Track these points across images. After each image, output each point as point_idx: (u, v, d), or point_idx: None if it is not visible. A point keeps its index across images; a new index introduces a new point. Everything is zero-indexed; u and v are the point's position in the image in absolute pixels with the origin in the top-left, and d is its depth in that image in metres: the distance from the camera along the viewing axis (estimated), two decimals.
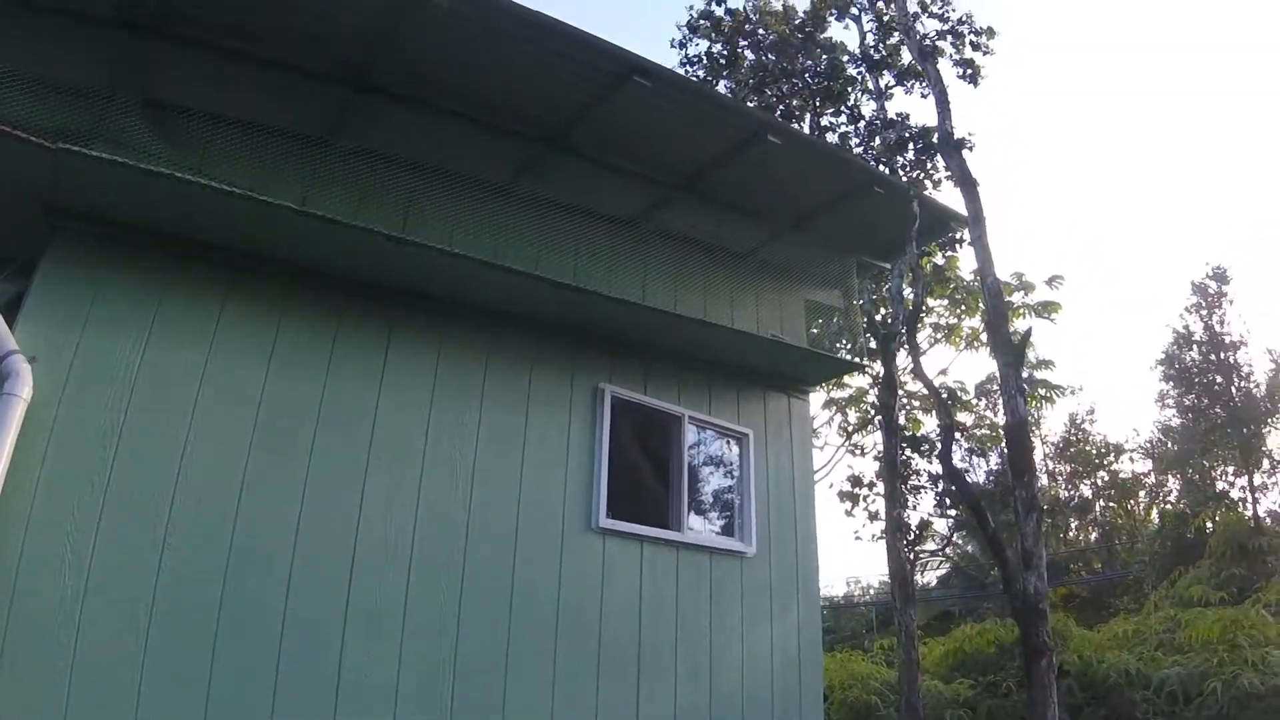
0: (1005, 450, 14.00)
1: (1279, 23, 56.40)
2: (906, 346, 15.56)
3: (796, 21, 20.43)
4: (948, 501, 22.07)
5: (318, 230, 6.32)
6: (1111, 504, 32.53)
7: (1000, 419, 22.71)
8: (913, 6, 18.65)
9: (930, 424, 22.29)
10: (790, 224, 9.38)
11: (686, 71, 20.23)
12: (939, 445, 16.80)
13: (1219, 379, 28.52)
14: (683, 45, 20.76)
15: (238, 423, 6.28)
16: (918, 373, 15.52)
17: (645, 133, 7.90)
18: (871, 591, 37.10)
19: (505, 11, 6.51)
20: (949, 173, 15.07)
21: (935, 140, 15.82)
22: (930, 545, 26.46)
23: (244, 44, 6.53)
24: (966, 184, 13.21)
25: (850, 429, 23.89)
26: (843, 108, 19.80)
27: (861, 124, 19.58)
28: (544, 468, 7.52)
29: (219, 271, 6.52)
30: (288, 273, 6.77)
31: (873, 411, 22.92)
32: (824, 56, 19.90)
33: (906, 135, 18.27)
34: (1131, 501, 32.03)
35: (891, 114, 19.06)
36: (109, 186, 5.89)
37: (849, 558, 65.55)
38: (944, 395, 17.57)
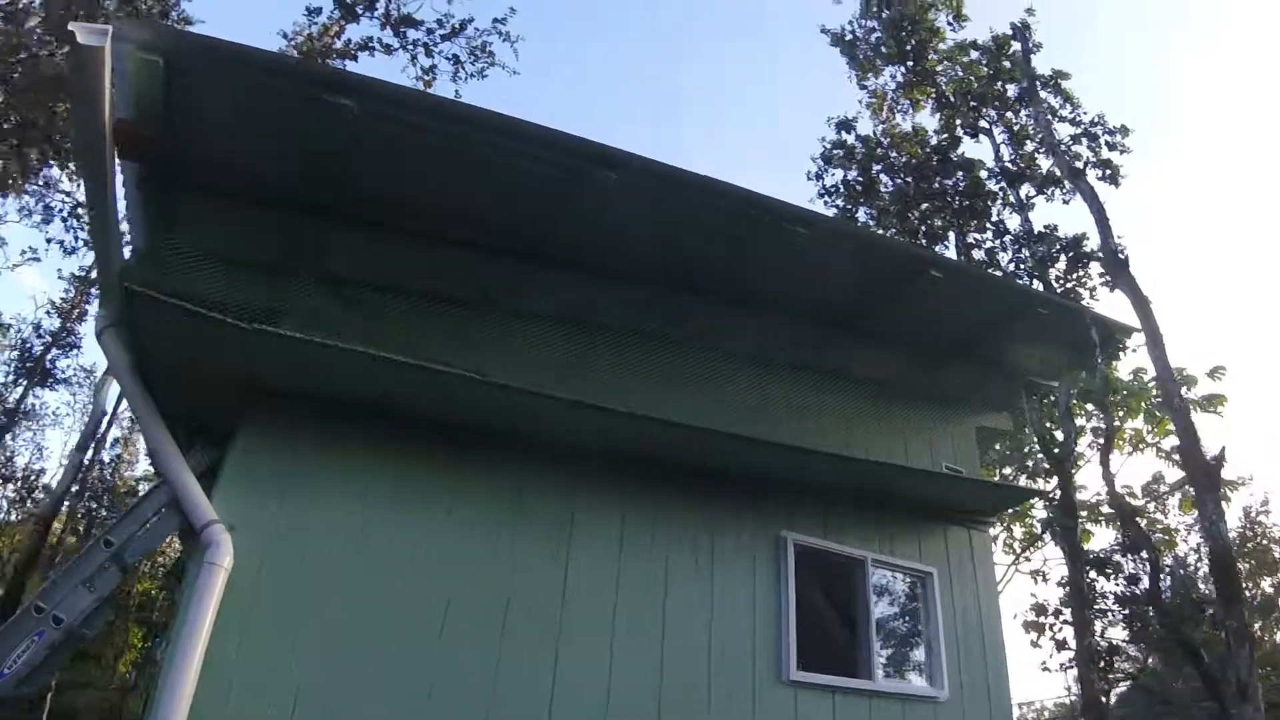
0: (1210, 576, 13.32)
1: None
2: (1101, 471, 15.00)
3: (932, 144, 20.52)
4: (1142, 624, 21.00)
5: (498, 398, 6.44)
6: None
7: (1172, 521, 21.59)
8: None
9: (1101, 536, 21.34)
10: (955, 352, 9.20)
11: (825, 202, 20.53)
12: (1145, 582, 16.06)
13: None
14: (819, 177, 21.14)
15: (430, 589, 6.32)
16: (1122, 517, 14.87)
17: (811, 277, 7.92)
18: (1046, 714, 35.09)
19: (672, 178, 6.67)
20: (1115, 289, 14.69)
21: (1100, 259, 15.54)
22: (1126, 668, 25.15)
23: (417, 222, 6.84)
24: (1140, 304, 12.86)
25: (1018, 547, 22.95)
26: (987, 224, 19.62)
27: (1007, 238, 19.35)
28: (731, 620, 7.32)
29: (407, 439, 6.65)
30: (472, 438, 6.85)
31: (1040, 528, 22.05)
32: (961, 174, 19.88)
33: (1057, 248, 17.97)
34: None
35: (1037, 225, 18.87)
36: (300, 362, 6.13)
37: (1019, 678, 61.85)
38: (1147, 531, 16.87)
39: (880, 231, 18.32)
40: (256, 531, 5.98)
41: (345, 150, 6.21)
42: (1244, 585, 30.73)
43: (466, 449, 6.83)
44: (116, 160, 6.00)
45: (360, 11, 22.93)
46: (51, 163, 21.67)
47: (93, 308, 35.60)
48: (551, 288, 7.46)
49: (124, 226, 6.82)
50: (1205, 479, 11.29)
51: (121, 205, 6.44)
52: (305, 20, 23.16)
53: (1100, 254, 15.41)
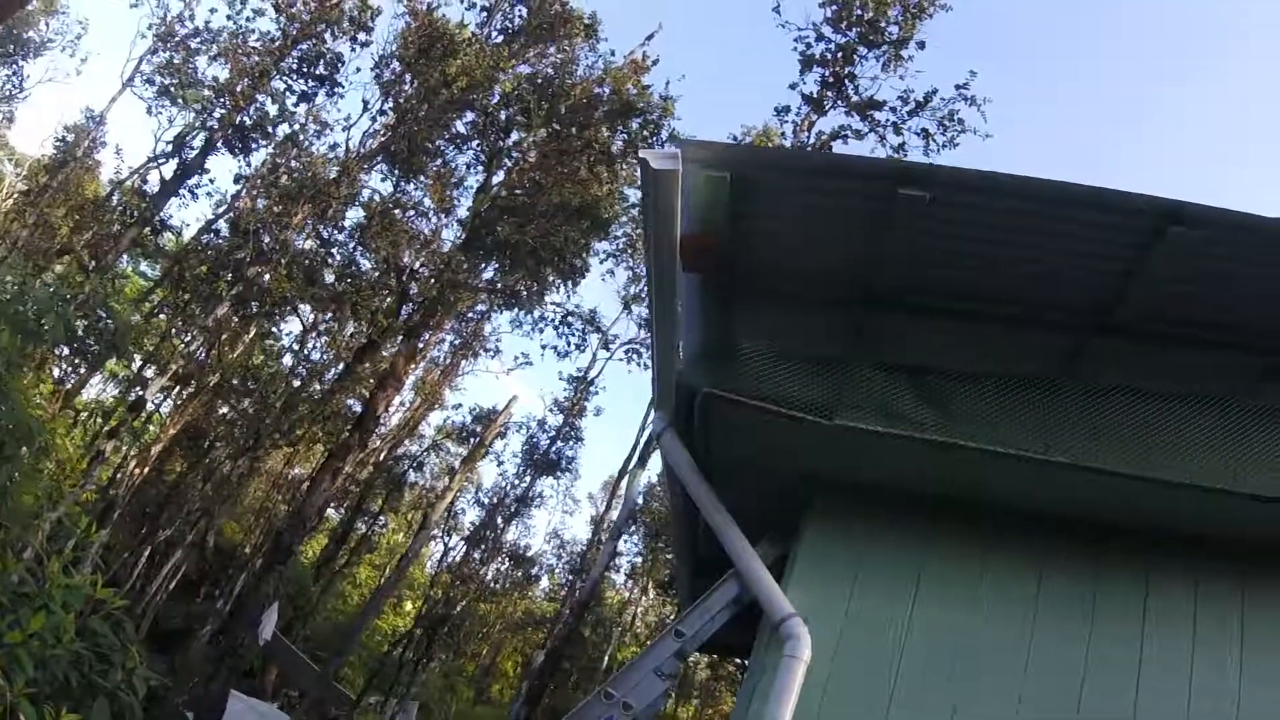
0: None
1: None
2: None
3: None
4: None
5: (1080, 481, 6.12)
6: None
7: None
8: None
9: None
10: None
11: None
12: None
13: None
14: None
15: (999, 686, 6.09)
16: None
17: None
18: None
19: (1251, 227, 6.06)
20: None
21: None
22: None
23: (978, 303, 6.73)
24: None
25: None
26: None
27: None
28: None
29: (975, 527, 6.53)
30: (1044, 524, 6.57)
31: None
32: None
33: None
34: None
35: None
36: (867, 453, 6.24)
37: None
38: None
39: None
40: (829, 624, 6.10)
41: (907, 240, 6.26)
42: None
43: (1036, 537, 6.57)
44: (681, 272, 6.49)
45: (827, 105, 23.73)
46: (558, 280, 24.42)
47: (590, 404, 39.98)
48: (1123, 359, 7.01)
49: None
50: None
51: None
52: (775, 119, 24.36)
53: None
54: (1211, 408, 6.90)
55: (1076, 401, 6.73)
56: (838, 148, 23.37)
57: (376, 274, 25.54)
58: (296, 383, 38.34)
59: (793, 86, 24.51)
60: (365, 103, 28.29)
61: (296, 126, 28.71)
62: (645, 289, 7.00)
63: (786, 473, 6.67)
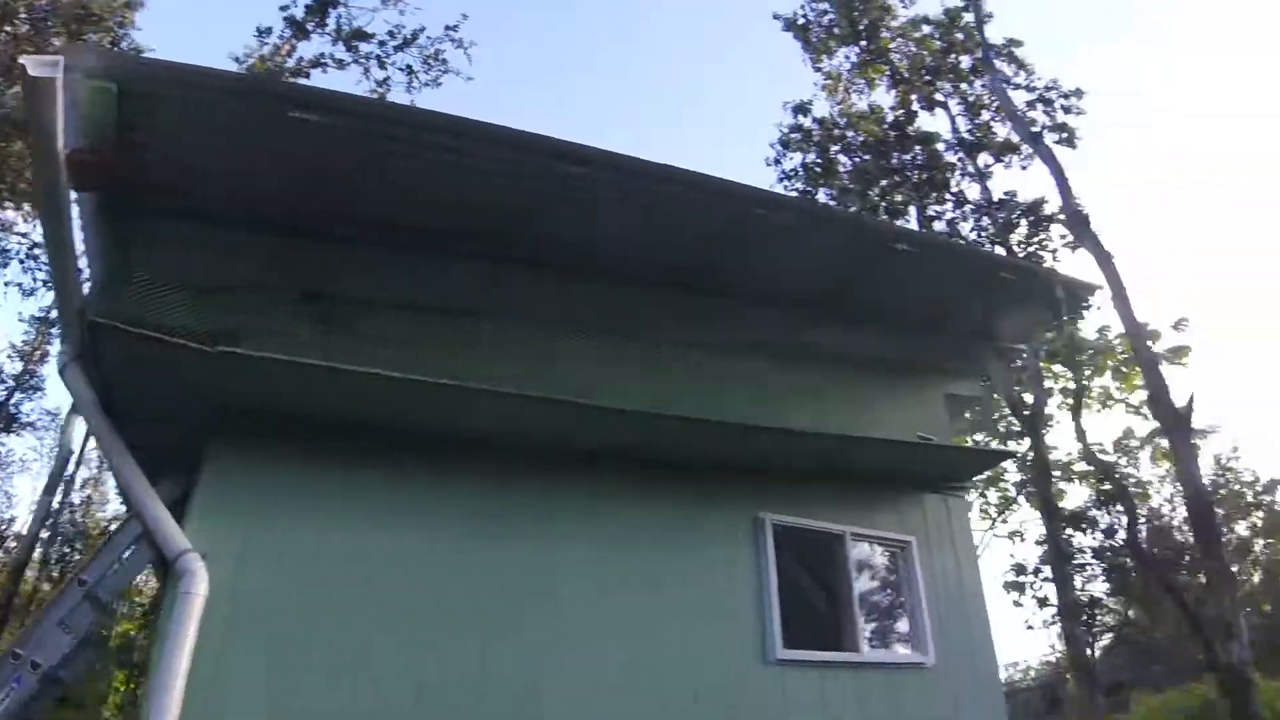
0: (1188, 521, 14.01)
1: None
2: (1074, 429, 15.54)
3: (889, 121, 20.71)
4: (1120, 576, 21.71)
5: (475, 402, 6.46)
6: (1271, 541, 31.16)
7: (1144, 474, 22.22)
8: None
9: (1074, 494, 21.95)
10: (924, 323, 9.29)
11: (785, 186, 20.72)
12: (1124, 534, 16.73)
13: None
14: (778, 161, 21.33)
15: (409, 597, 6.34)
16: (1100, 470, 15.31)
17: (785, 261, 7.99)
18: (1032, 673, 35.64)
19: (643, 172, 6.70)
20: (1075, 246, 15.07)
21: (1064, 220, 15.91)
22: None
23: (388, 234, 6.81)
24: (1103, 260, 13.17)
25: (994, 511, 23.31)
26: (947, 195, 19.82)
27: (968, 208, 19.58)
28: (715, 605, 7.40)
29: (379, 450, 6.65)
30: (447, 447, 6.85)
31: (1015, 491, 22.45)
32: (919, 148, 20.08)
33: (1018, 213, 18.24)
34: None
35: (996, 192, 19.16)
36: (265, 382, 6.15)
37: (1005, 640, 61.74)
38: (1123, 484, 17.48)
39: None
40: (232, 557, 5.96)
41: (309, 165, 6.19)
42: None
43: (442, 458, 6.85)
44: (73, 191, 5.96)
45: (310, 29, 22.70)
46: (6, 204, 21.34)
47: (55, 348, 35.06)
48: (528, 289, 7.46)
49: (84, 261, 6.73)
50: (1176, 423, 11.63)
51: (80, 238, 6.39)
52: (256, 42, 22.85)
53: (1062, 215, 15.78)
54: (607, 335, 7.64)
55: (488, 329, 7.13)
56: (316, 77, 22.76)
57: None
58: None
59: (284, 9, 23.47)
60: None
61: None
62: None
63: (189, 405, 6.37)
